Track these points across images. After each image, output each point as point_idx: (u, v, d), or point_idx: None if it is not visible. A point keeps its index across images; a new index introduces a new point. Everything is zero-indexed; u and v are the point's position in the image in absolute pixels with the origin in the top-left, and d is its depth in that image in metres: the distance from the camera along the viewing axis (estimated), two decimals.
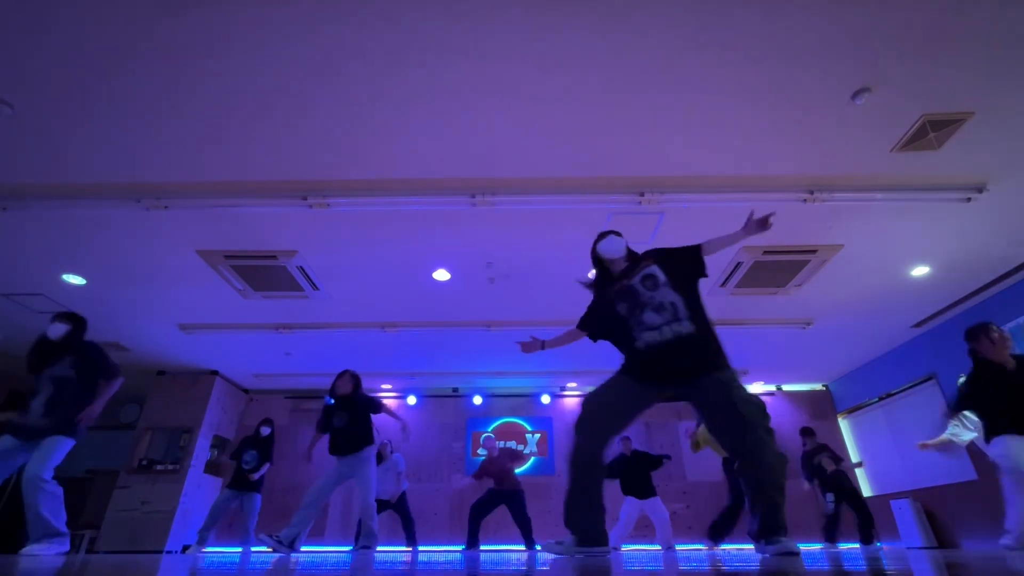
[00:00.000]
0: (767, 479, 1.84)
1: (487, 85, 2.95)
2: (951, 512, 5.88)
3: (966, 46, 2.70)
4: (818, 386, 8.26)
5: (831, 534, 5.58)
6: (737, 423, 1.90)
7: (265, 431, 5.96)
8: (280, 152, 3.42)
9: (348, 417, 4.14)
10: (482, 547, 6.16)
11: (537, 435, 7.92)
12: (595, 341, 2.46)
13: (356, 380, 4.34)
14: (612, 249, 2.33)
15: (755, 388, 8.23)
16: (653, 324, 2.08)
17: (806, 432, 6.24)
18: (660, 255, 2.28)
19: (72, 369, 3.48)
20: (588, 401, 2.13)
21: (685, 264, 2.27)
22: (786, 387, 8.26)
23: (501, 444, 6.44)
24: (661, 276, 2.17)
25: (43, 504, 3.17)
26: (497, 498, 5.85)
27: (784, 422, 7.95)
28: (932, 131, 3.22)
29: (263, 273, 4.74)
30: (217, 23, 2.57)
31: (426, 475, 7.63)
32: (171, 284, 4.96)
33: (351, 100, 3.04)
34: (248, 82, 2.90)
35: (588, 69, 2.86)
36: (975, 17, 2.55)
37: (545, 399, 8.11)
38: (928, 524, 6.10)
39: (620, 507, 5.77)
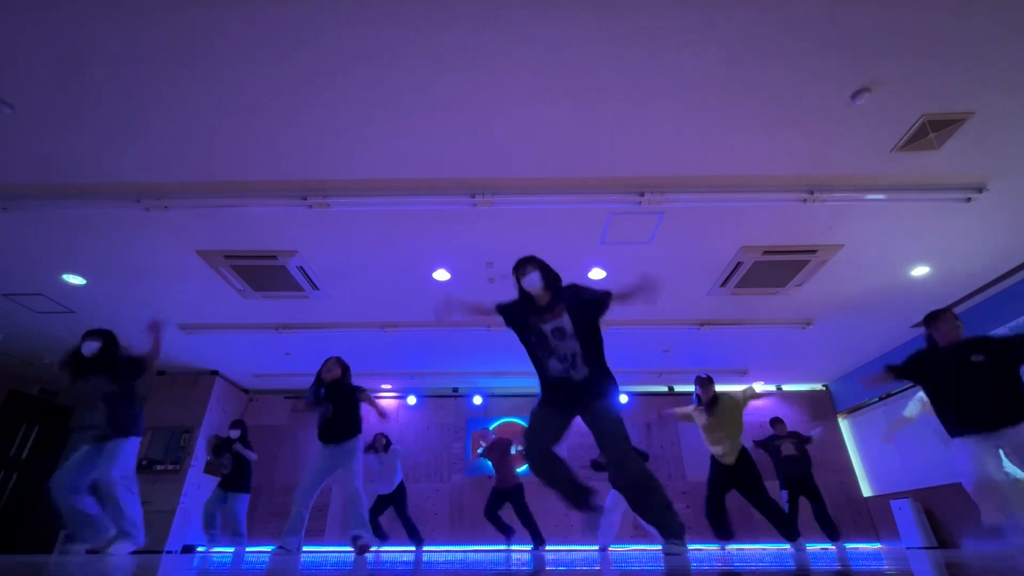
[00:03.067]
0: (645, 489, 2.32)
1: (487, 85, 2.95)
2: (951, 512, 5.88)
3: (966, 46, 2.70)
4: (818, 386, 8.26)
5: (790, 532, 5.24)
6: (609, 442, 2.38)
7: (234, 434, 5.93)
8: (280, 152, 3.42)
9: (335, 406, 4.00)
10: (490, 547, 6.18)
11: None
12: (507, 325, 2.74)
13: (344, 367, 4.19)
14: (533, 285, 2.55)
15: (755, 388, 8.22)
16: (556, 370, 2.50)
17: (775, 422, 5.94)
18: (573, 301, 2.53)
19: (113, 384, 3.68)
20: (529, 421, 2.56)
21: (593, 313, 2.54)
22: (786, 387, 8.26)
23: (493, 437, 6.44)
24: (568, 328, 2.46)
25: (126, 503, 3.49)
26: (501, 496, 5.85)
27: (784, 422, 7.95)
28: (932, 131, 3.21)
29: (263, 273, 4.74)
30: (217, 23, 2.57)
31: (426, 475, 7.63)
32: (171, 284, 4.96)
33: (351, 100, 3.03)
34: (248, 82, 2.90)
35: (588, 69, 2.86)
36: (975, 17, 2.55)
37: None
38: (928, 524, 6.10)
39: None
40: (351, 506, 3.87)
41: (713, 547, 5.76)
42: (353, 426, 4.02)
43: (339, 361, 4.18)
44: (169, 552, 6.31)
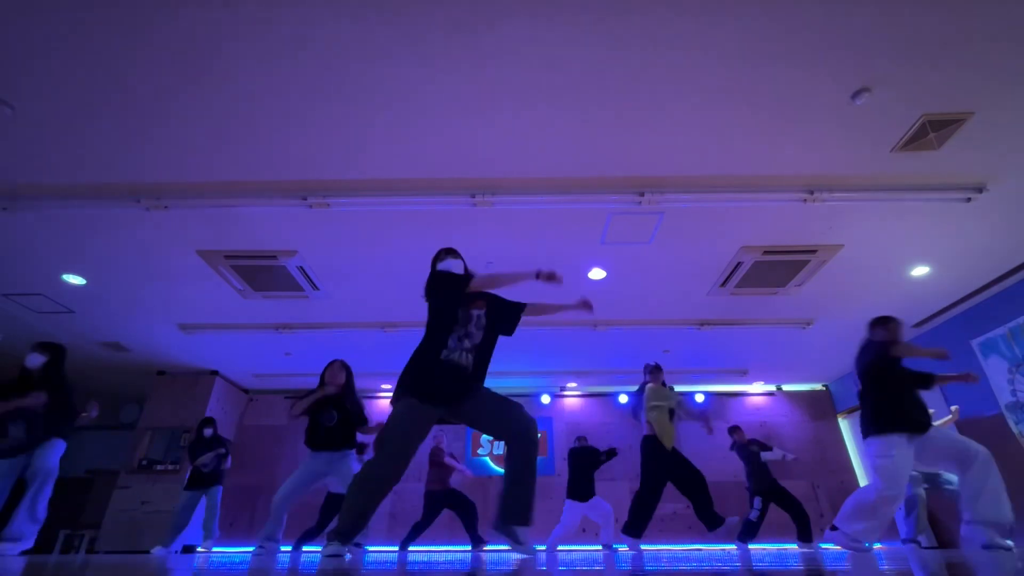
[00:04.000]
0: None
1: (487, 85, 2.96)
2: (951, 512, 5.88)
3: (966, 46, 2.70)
4: (818, 386, 8.26)
5: (747, 536, 5.22)
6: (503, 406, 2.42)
7: (207, 432, 5.91)
8: (280, 152, 3.42)
9: (339, 417, 3.85)
10: (490, 547, 6.15)
11: (537, 435, 7.91)
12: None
13: (349, 371, 4.02)
14: (455, 268, 2.62)
15: (755, 388, 8.24)
16: (453, 347, 2.42)
17: (733, 430, 5.94)
18: (491, 302, 2.62)
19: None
20: (401, 414, 2.36)
21: (506, 319, 2.63)
22: (786, 387, 8.26)
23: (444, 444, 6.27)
24: (483, 321, 2.53)
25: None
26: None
27: (784, 422, 7.96)
28: (932, 131, 3.22)
29: (263, 273, 4.74)
30: (217, 23, 2.57)
31: (426, 475, 7.61)
32: (171, 284, 4.96)
33: (351, 100, 3.04)
34: (248, 82, 2.90)
35: (588, 70, 2.86)
36: (975, 17, 2.55)
37: (545, 399, 8.12)
38: (928, 524, 6.09)
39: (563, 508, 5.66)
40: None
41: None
42: (351, 440, 3.92)
43: (344, 365, 4.03)
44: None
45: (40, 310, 5.38)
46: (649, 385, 4.76)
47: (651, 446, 4.54)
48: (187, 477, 5.82)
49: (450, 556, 3.66)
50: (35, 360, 3.79)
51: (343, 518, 2.18)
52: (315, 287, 5.01)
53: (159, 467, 6.81)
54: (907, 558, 2.26)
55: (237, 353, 6.76)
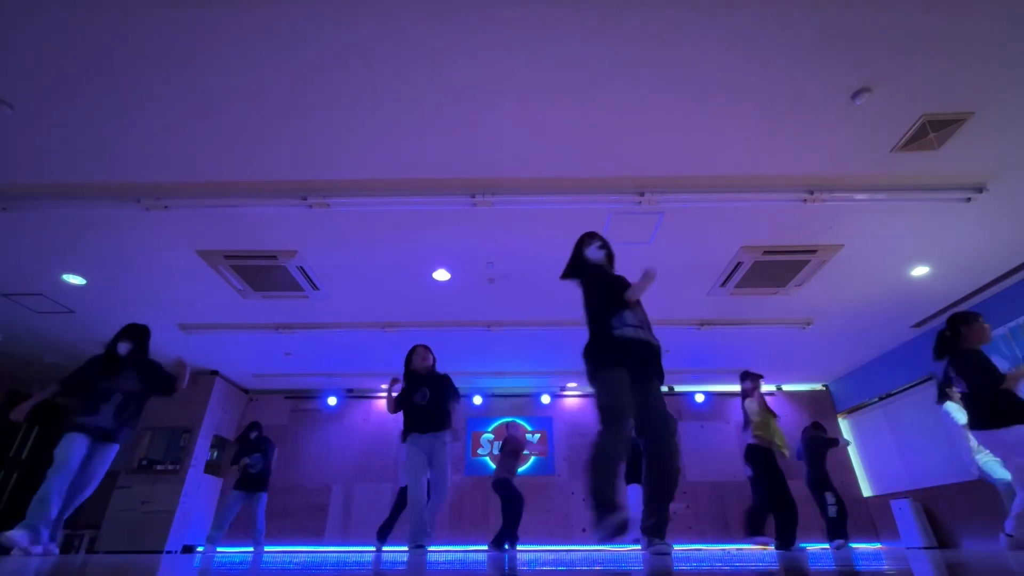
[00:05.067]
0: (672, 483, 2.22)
1: (487, 86, 2.96)
2: (951, 512, 5.88)
3: (966, 46, 2.70)
4: (818, 386, 8.26)
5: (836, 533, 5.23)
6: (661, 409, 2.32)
7: (253, 435, 6.13)
8: (280, 152, 3.42)
9: (431, 392, 3.82)
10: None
11: (537, 435, 7.92)
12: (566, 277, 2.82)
13: (432, 354, 4.10)
14: (595, 256, 2.78)
15: None
16: (631, 321, 2.42)
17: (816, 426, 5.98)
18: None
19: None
20: (608, 384, 2.27)
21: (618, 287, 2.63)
22: (786, 387, 8.26)
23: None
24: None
25: None
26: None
27: (784, 422, 7.94)
28: (932, 131, 3.22)
29: (263, 273, 4.74)
30: (217, 23, 2.57)
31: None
32: (171, 284, 4.96)
33: (351, 100, 3.04)
34: (248, 82, 2.90)
35: (588, 69, 2.86)
36: (975, 17, 2.55)
37: (545, 399, 8.12)
38: (928, 524, 6.10)
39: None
40: (431, 509, 3.65)
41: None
42: (448, 418, 3.86)
43: (427, 348, 4.12)
44: (169, 552, 6.31)
45: (40, 310, 5.38)
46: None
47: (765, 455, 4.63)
48: (237, 478, 5.96)
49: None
50: (123, 347, 3.81)
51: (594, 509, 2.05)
52: (315, 287, 5.01)
53: (159, 467, 6.81)
54: (907, 558, 2.26)
55: (237, 353, 6.76)
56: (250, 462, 5.85)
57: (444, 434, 3.83)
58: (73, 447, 3.46)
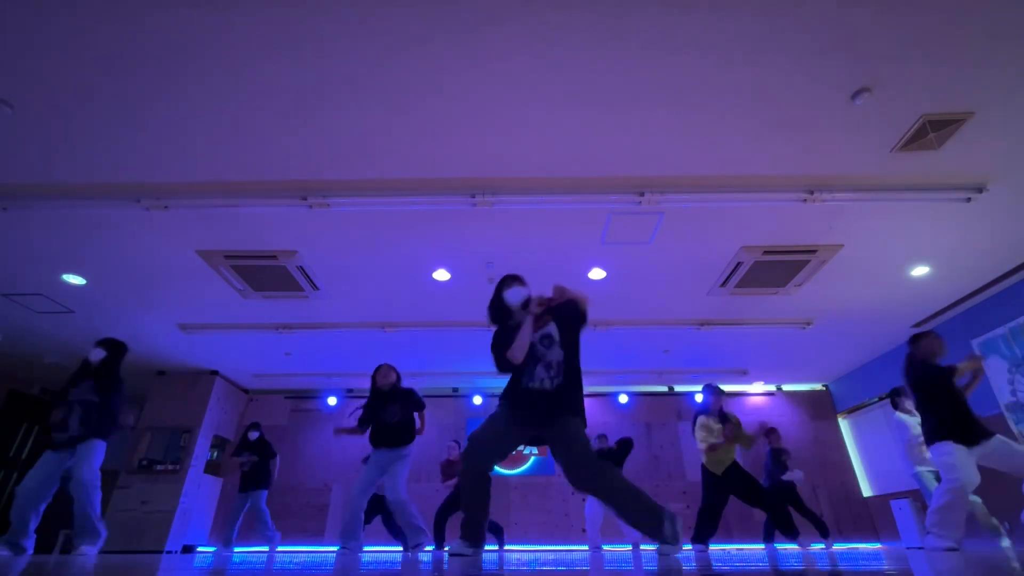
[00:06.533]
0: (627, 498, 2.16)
1: (487, 86, 2.95)
2: None
3: (966, 46, 2.70)
4: (818, 386, 8.26)
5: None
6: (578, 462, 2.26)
7: (252, 435, 6.20)
8: (280, 152, 3.42)
9: (400, 409, 4.03)
10: (487, 547, 6.15)
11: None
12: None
13: (397, 373, 4.28)
14: (514, 299, 2.62)
15: (755, 388, 8.24)
16: (539, 376, 2.43)
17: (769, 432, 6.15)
18: (558, 314, 2.58)
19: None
20: (474, 436, 2.42)
21: (575, 325, 2.58)
22: (786, 387, 8.26)
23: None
24: (556, 336, 2.51)
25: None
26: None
27: (784, 422, 7.96)
28: (932, 131, 3.21)
29: (263, 273, 4.74)
30: (217, 24, 2.57)
31: (426, 475, 7.63)
32: (171, 284, 4.96)
33: (351, 100, 3.03)
34: (248, 82, 2.90)
35: (588, 69, 2.86)
36: (975, 17, 2.55)
37: None
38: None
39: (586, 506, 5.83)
40: (404, 516, 3.90)
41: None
42: (411, 433, 4.09)
43: (391, 367, 4.28)
44: (169, 552, 6.31)
45: (40, 310, 5.38)
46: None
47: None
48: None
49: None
50: (96, 355, 3.87)
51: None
52: (315, 287, 5.01)
53: (159, 467, 6.80)
54: (907, 558, 2.26)
55: (237, 353, 6.76)
56: (242, 460, 5.97)
57: (405, 448, 4.03)
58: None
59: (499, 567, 1.75)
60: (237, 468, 6.09)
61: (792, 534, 4.45)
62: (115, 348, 4.03)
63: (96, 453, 3.69)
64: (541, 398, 2.38)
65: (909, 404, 4.76)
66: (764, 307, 5.54)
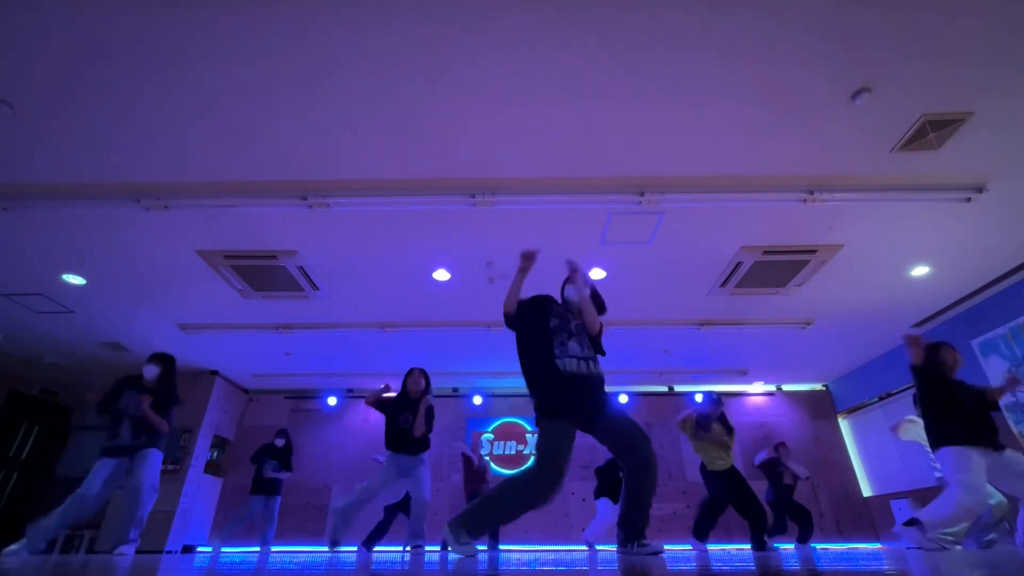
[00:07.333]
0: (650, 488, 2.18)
1: (487, 86, 2.95)
2: None
3: (966, 46, 2.70)
4: (818, 386, 8.26)
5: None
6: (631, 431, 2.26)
7: (279, 442, 6.25)
8: (280, 152, 3.42)
9: (412, 420, 4.12)
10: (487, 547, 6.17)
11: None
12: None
13: (427, 380, 4.36)
14: (570, 295, 2.80)
15: (755, 388, 8.24)
16: (574, 352, 2.44)
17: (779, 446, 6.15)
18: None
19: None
20: (551, 458, 2.23)
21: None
22: (786, 387, 8.26)
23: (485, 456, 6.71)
24: (577, 327, 2.63)
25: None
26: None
27: (784, 422, 7.96)
28: (932, 131, 3.21)
29: (263, 273, 4.74)
30: (217, 24, 2.57)
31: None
32: (171, 284, 4.96)
33: (351, 100, 3.03)
34: (248, 82, 2.90)
35: (587, 69, 2.86)
36: (975, 17, 2.55)
37: None
38: None
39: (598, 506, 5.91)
40: (418, 518, 4.02)
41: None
42: (427, 441, 4.20)
43: (423, 373, 4.35)
44: (169, 552, 6.30)
45: (40, 310, 5.38)
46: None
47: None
48: (253, 482, 6.12)
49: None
50: (151, 371, 4.10)
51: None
52: (315, 287, 5.01)
53: None
54: (907, 558, 2.26)
55: (237, 353, 6.76)
56: (268, 469, 6.02)
57: (424, 454, 4.15)
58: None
59: (497, 567, 1.75)
60: (258, 473, 6.06)
61: (760, 548, 4.46)
62: (168, 362, 4.25)
63: (157, 461, 3.89)
64: (586, 388, 2.32)
65: None
66: (764, 307, 5.54)
